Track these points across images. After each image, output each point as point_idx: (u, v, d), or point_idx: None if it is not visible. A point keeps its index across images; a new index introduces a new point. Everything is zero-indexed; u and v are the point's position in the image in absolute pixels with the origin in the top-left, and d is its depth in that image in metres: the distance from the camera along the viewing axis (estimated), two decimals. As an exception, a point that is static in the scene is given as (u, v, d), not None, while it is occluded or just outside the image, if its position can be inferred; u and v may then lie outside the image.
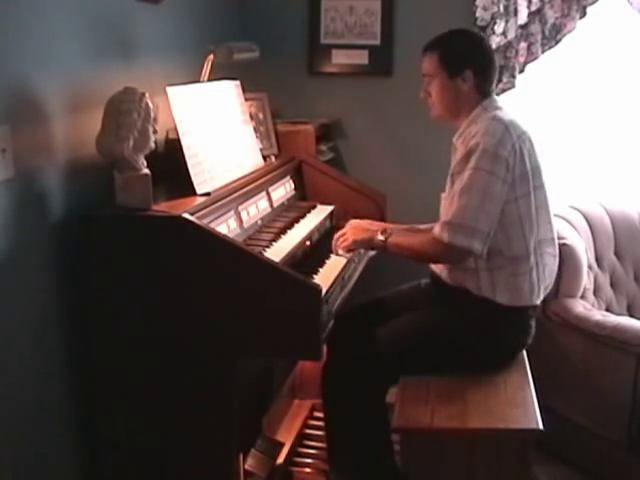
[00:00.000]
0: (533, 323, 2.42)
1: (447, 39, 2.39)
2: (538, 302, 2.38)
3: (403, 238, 2.37)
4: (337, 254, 2.44)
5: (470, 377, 2.31)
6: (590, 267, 3.07)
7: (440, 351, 2.34)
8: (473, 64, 2.34)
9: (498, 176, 2.20)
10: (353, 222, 2.51)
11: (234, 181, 2.37)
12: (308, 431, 2.91)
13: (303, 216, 2.65)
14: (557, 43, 3.12)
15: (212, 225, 2.07)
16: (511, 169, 2.21)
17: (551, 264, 2.40)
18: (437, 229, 2.24)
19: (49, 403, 1.96)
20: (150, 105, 1.97)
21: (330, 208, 2.82)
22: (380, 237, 2.37)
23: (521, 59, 3.13)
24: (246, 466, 2.34)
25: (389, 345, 2.33)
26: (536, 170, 2.30)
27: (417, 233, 2.44)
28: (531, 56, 3.14)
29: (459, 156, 2.27)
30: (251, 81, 2.85)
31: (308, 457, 2.76)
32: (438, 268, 2.43)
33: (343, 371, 2.34)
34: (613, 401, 2.74)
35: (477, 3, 3.08)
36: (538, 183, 2.31)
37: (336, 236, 2.46)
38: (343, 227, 2.51)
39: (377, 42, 3.28)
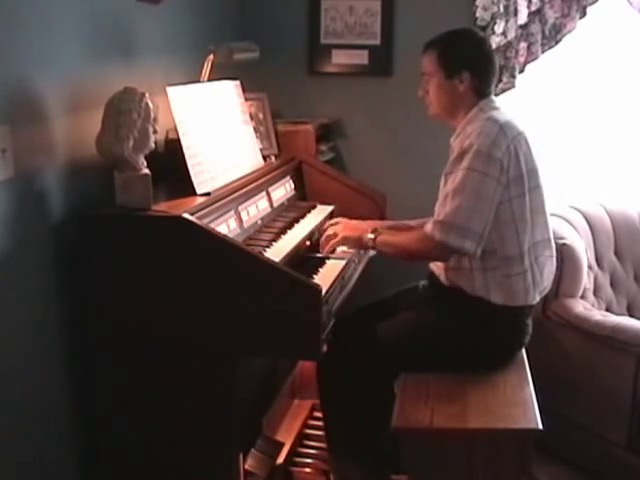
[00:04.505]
0: (530, 322, 2.42)
1: (447, 39, 2.39)
2: (534, 302, 2.38)
3: (392, 236, 2.39)
4: (325, 254, 2.45)
5: (470, 377, 2.31)
6: (590, 267, 3.08)
7: (437, 350, 2.34)
8: (471, 66, 2.34)
9: (492, 177, 2.20)
10: (341, 220, 2.55)
11: (234, 181, 2.37)
12: (308, 431, 2.91)
13: (303, 216, 2.65)
14: (557, 43, 3.12)
15: (212, 225, 2.06)
16: (505, 170, 2.21)
17: (549, 266, 2.40)
18: (429, 227, 2.25)
19: (49, 403, 1.96)
20: (150, 105, 1.97)
21: (330, 208, 2.82)
22: (370, 235, 2.38)
23: (521, 59, 3.13)
24: (246, 466, 2.34)
25: (388, 342, 2.34)
26: (532, 171, 2.30)
27: (406, 231, 2.44)
28: (531, 56, 3.14)
29: (453, 156, 2.28)
30: (251, 81, 2.85)
31: (308, 457, 2.75)
32: (437, 269, 2.43)
33: (341, 366, 2.35)
34: (613, 401, 2.74)
35: (477, 3, 3.08)
36: (534, 184, 2.31)
37: (323, 236, 2.49)
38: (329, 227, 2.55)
39: (377, 42, 3.28)
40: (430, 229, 2.23)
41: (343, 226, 2.49)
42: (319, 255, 2.47)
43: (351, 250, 2.51)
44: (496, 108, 2.36)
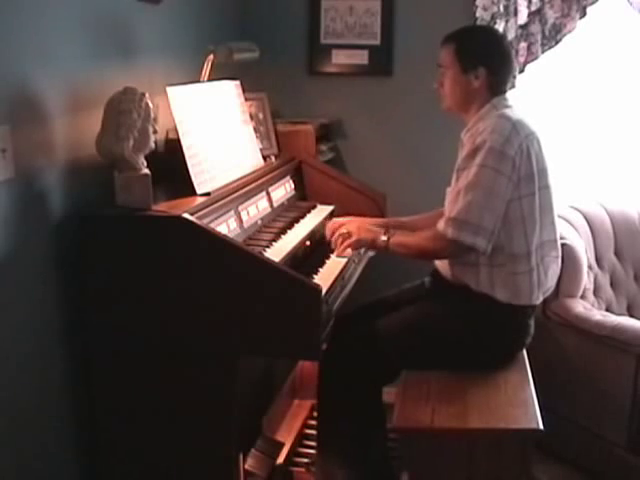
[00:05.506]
0: (532, 322, 2.41)
1: (467, 34, 2.40)
2: (538, 302, 2.38)
3: (405, 237, 2.38)
4: (338, 254, 2.43)
5: (470, 377, 2.31)
6: (590, 267, 3.07)
7: (439, 345, 2.34)
8: (488, 62, 2.33)
9: (504, 174, 2.20)
10: (354, 220, 2.52)
11: (234, 181, 2.37)
12: (308, 431, 2.91)
13: (303, 216, 2.65)
14: (557, 43, 3.12)
15: (212, 225, 2.07)
16: (517, 168, 2.21)
17: (554, 267, 2.39)
18: (441, 224, 2.24)
19: (49, 403, 1.96)
20: (150, 105, 1.97)
21: (330, 208, 2.82)
22: (383, 238, 2.36)
23: (521, 59, 3.13)
24: (246, 466, 2.34)
25: (388, 336, 2.34)
26: (542, 171, 2.30)
27: (418, 231, 2.44)
28: (531, 56, 3.14)
29: (465, 152, 2.27)
30: (251, 81, 2.85)
31: (308, 457, 2.75)
32: (443, 266, 2.43)
33: (342, 362, 2.34)
34: (613, 401, 2.74)
35: (477, 3, 3.08)
36: (544, 184, 2.30)
37: (336, 235, 2.45)
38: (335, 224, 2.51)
39: (377, 42, 3.28)
40: (443, 227, 2.23)
41: (357, 227, 2.44)
42: (332, 256, 2.44)
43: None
44: (509, 106, 2.35)
